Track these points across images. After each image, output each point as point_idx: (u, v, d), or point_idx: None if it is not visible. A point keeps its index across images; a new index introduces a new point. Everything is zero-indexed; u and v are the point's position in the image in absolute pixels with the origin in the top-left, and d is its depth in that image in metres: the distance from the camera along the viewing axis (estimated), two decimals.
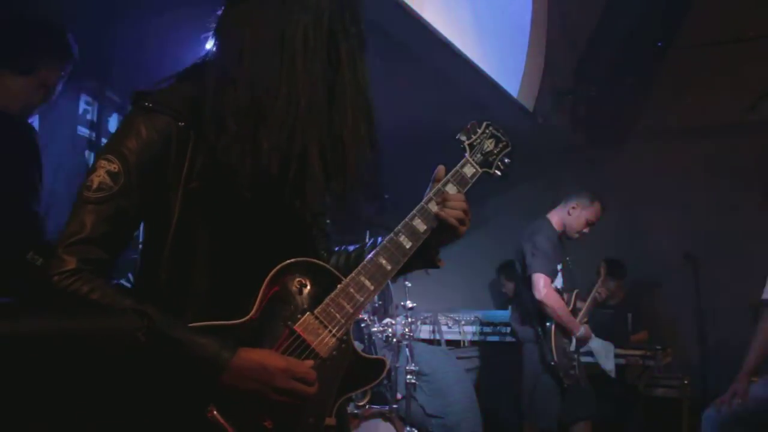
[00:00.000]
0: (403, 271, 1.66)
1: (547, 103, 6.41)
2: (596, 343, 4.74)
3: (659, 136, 6.82)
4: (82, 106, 3.86)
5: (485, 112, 5.43)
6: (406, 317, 4.37)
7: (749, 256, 5.94)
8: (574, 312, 4.59)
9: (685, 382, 5.44)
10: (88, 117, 3.89)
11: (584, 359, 4.66)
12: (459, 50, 4.75)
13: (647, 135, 6.90)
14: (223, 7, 1.57)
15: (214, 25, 1.57)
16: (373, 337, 4.21)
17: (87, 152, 3.84)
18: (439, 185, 1.71)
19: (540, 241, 4.45)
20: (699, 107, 6.59)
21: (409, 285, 4.48)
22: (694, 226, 6.40)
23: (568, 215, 4.62)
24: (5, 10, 2.60)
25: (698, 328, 6.15)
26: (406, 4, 4.06)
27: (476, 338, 5.88)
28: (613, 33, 6.25)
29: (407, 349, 4.32)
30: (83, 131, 3.87)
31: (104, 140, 3.74)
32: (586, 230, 4.66)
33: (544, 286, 4.30)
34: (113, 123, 3.97)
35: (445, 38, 4.56)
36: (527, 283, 4.42)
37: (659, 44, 6.52)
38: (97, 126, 3.90)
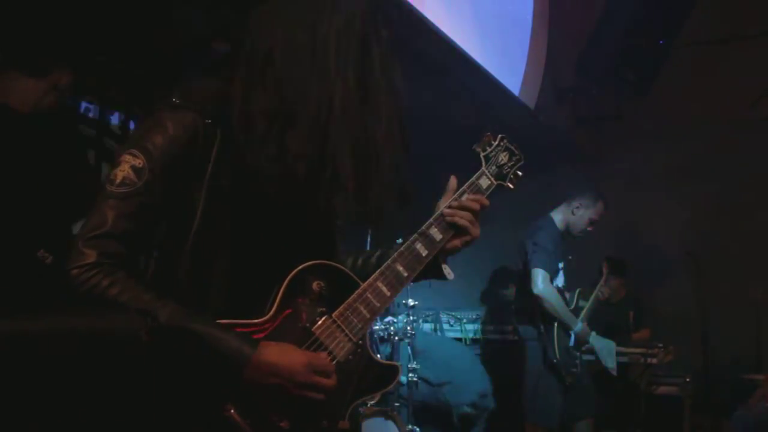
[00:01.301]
0: (415, 279, 1.68)
1: (549, 101, 6.41)
2: (598, 342, 4.74)
3: (661, 134, 6.82)
4: (83, 104, 3.86)
5: (486, 110, 5.43)
6: (408, 315, 4.38)
7: (751, 254, 5.95)
8: (577, 310, 4.59)
9: (687, 380, 5.45)
10: (90, 115, 3.88)
11: (585, 357, 4.66)
12: (460, 47, 4.75)
13: (649, 132, 6.89)
14: (250, 5, 1.53)
15: (241, 23, 1.53)
16: (374, 335, 4.22)
17: (89, 150, 3.84)
18: (455, 195, 1.72)
19: (541, 237, 4.46)
20: (701, 105, 6.59)
21: (411, 283, 4.47)
22: (696, 224, 6.40)
23: (572, 215, 4.62)
24: (19, 13, 2.61)
25: (700, 326, 6.14)
26: (407, 1, 4.06)
27: (477, 336, 5.89)
28: (614, 30, 6.24)
29: (409, 347, 4.33)
30: (85, 129, 3.86)
31: (106, 138, 3.73)
32: (589, 229, 4.67)
33: (542, 281, 4.31)
34: (115, 121, 3.97)
35: (446, 35, 4.55)
36: (528, 280, 4.42)
37: (660, 42, 6.51)
38: (100, 124, 3.89)
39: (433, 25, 4.39)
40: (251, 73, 1.46)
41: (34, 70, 2.45)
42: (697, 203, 6.41)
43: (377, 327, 4.21)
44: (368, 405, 3.71)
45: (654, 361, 5.41)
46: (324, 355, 1.46)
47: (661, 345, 5.51)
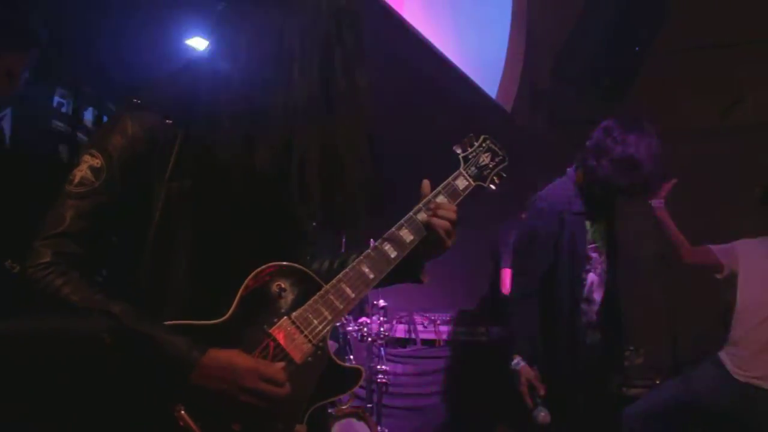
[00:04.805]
0: (388, 282, 1.66)
1: (525, 104, 6.44)
2: None
3: None
4: (56, 98, 3.81)
5: (463, 112, 5.44)
6: (381, 316, 4.37)
7: None
8: None
9: (657, 382, 5.50)
10: (63, 110, 3.83)
11: None
12: (438, 49, 4.75)
13: None
14: (219, 5, 1.54)
15: (209, 23, 1.54)
16: (348, 336, 4.21)
17: (61, 146, 3.79)
18: (430, 196, 1.70)
19: (513, 238, 4.48)
20: (675, 111, 6.66)
21: (386, 286, 4.46)
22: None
23: None
24: None
25: (670, 329, 6.21)
26: (385, 2, 4.06)
27: (452, 338, 5.88)
28: (591, 36, 6.29)
29: (381, 349, 4.33)
30: (58, 125, 3.81)
31: (79, 134, 3.69)
32: None
33: (510, 282, 4.32)
34: (89, 117, 3.92)
35: (424, 37, 4.56)
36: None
37: (636, 49, 6.57)
38: (73, 119, 3.84)
39: (411, 26, 4.39)
40: (217, 72, 1.47)
41: None
42: (670, 206, 6.47)
43: (350, 328, 4.20)
44: (341, 407, 3.71)
45: (625, 363, 5.45)
46: (278, 364, 1.45)
47: (632, 347, 5.56)
